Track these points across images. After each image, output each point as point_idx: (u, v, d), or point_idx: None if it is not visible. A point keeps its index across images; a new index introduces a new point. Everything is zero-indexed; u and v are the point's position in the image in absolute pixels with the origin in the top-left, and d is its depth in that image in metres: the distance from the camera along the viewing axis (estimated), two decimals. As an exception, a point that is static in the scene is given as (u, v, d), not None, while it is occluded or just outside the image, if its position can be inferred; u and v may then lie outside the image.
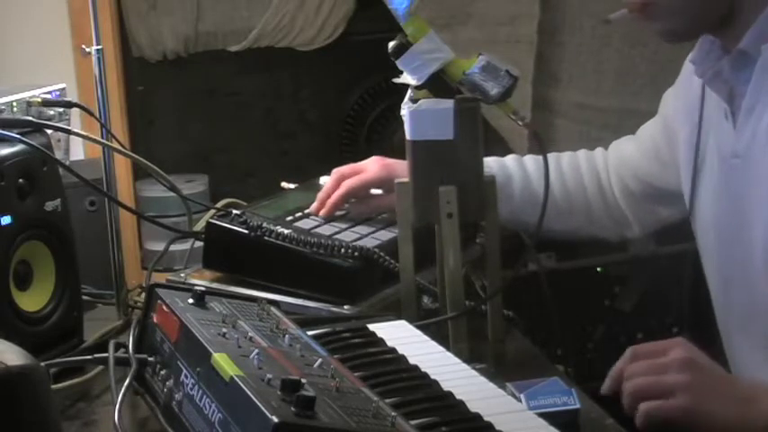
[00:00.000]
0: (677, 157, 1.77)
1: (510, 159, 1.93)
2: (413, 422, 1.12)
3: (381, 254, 1.65)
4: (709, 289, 1.73)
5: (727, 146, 1.62)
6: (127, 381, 1.31)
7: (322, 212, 1.80)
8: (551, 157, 1.91)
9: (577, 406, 1.31)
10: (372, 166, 1.83)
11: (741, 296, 1.62)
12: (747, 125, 1.57)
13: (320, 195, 1.82)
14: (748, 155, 1.57)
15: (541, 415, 1.22)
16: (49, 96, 1.77)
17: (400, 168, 1.79)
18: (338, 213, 1.81)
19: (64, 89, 1.81)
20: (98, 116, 1.79)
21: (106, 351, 1.41)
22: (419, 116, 1.56)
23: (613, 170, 1.93)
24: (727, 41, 1.59)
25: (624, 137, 1.97)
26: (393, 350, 1.39)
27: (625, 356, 1.34)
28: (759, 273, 1.57)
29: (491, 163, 1.86)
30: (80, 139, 1.78)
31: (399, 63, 1.56)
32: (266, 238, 1.70)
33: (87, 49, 1.81)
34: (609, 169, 1.93)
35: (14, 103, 1.71)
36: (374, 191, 1.83)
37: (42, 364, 1.15)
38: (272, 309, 1.44)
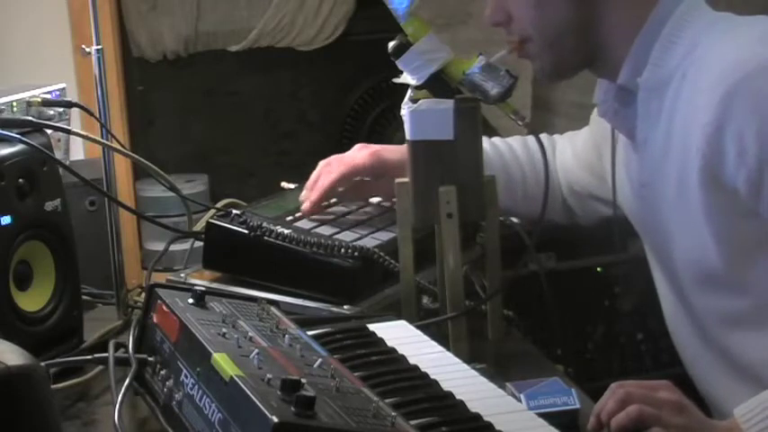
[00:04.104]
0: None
1: (484, 143, 1.93)
2: (413, 422, 1.13)
3: (381, 254, 1.65)
4: (660, 300, 1.76)
5: (636, 176, 1.67)
6: (127, 381, 1.32)
7: (312, 196, 1.78)
8: (519, 140, 1.93)
9: (577, 406, 1.31)
10: (360, 152, 1.83)
11: (688, 307, 1.66)
12: (645, 155, 1.62)
13: (308, 184, 1.82)
14: (652, 184, 1.62)
15: (541, 415, 1.22)
16: (49, 96, 1.77)
17: (387, 154, 1.81)
18: (327, 203, 1.82)
19: (64, 89, 1.81)
20: (98, 116, 1.79)
21: (106, 351, 1.41)
22: (419, 116, 1.56)
23: (559, 167, 1.94)
24: (610, 78, 1.63)
25: (565, 135, 1.97)
26: (393, 350, 1.39)
27: (610, 390, 1.31)
28: (688, 287, 1.62)
29: None
30: (80, 139, 1.78)
31: (399, 63, 1.56)
32: (266, 238, 1.70)
33: (87, 49, 1.81)
34: (556, 163, 1.94)
35: (14, 103, 1.71)
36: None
37: (42, 364, 1.15)
38: (272, 309, 1.44)
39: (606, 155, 1.78)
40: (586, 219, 1.95)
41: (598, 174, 1.84)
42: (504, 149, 1.90)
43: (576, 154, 1.90)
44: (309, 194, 1.79)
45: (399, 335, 1.46)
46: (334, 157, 1.83)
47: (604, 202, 1.86)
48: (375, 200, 1.89)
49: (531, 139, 1.92)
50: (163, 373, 1.30)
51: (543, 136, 1.97)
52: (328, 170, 1.80)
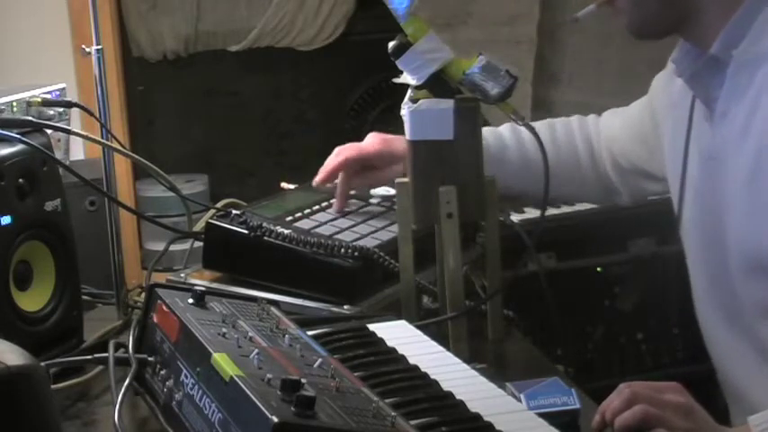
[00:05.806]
0: (662, 147, 1.78)
1: (505, 128, 1.93)
2: (413, 422, 1.13)
3: (381, 254, 1.65)
4: (692, 287, 1.73)
5: (705, 147, 1.63)
6: (127, 381, 1.32)
7: (318, 178, 1.85)
8: (544, 124, 1.93)
9: (577, 406, 1.31)
10: (371, 140, 1.88)
11: (725, 295, 1.63)
12: (721, 128, 1.59)
13: (322, 169, 1.86)
14: (722, 158, 1.59)
15: (541, 415, 1.22)
16: (49, 96, 1.77)
17: (398, 142, 1.82)
18: (349, 195, 1.85)
19: (64, 89, 1.81)
20: (98, 116, 1.79)
21: (106, 351, 1.41)
22: (419, 116, 1.56)
23: (603, 143, 1.93)
24: (698, 43, 1.60)
25: (614, 110, 1.97)
26: (393, 350, 1.39)
27: (618, 390, 1.30)
28: (736, 272, 1.58)
29: (485, 133, 1.82)
30: (80, 139, 1.78)
31: (399, 63, 1.56)
32: (266, 238, 1.70)
33: (87, 49, 1.81)
34: (600, 141, 1.94)
35: (14, 103, 1.71)
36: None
37: (42, 364, 1.15)
38: (272, 309, 1.44)
39: (664, 125, 1.76)
40: (630, 198, 1.94)
41: (650, 145, 1.82)
42: (492, 141, 1.89)
43: (629, 125, 1.89)
44: (319, 178, 1.85)
45: (399, 335, 1.46)
46: (348, 144, 1.88)
47: (653, 179, 1.85)
48: (379, 191, 1.89)
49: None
50: (163, 373, 1.30)
51: (575, 118, 1.98)
52: (337, 153, 1.86)
